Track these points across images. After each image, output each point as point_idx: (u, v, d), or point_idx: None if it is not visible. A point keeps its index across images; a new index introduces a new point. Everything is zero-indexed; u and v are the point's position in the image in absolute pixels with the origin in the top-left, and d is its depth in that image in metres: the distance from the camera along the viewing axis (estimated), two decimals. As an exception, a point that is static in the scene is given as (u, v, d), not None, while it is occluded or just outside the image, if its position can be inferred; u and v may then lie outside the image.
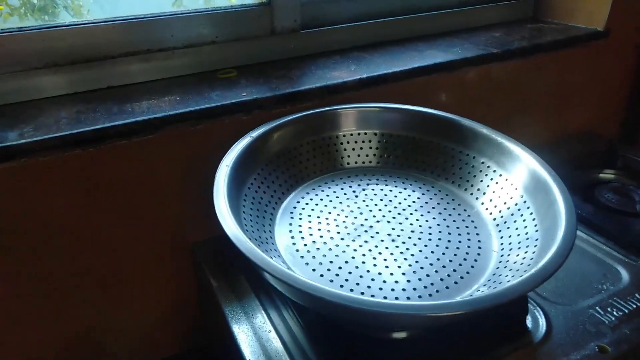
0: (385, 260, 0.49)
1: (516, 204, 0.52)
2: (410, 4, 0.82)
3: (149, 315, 0.66)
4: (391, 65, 0.69)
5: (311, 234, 0.52)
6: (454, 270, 0.48)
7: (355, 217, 0.55)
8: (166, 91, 0.61)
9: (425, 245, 0.51)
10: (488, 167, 0.57)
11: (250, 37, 0.69)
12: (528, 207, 0.51)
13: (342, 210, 0.56)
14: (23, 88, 0.57)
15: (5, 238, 0.52)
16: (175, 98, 0.59)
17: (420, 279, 0.46)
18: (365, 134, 0.63)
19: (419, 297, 0.45)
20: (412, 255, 0.49)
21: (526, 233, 0.48)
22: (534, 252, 0.44)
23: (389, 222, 0.54)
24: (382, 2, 0.80)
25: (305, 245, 0.51)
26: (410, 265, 0.48)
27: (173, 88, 0.62)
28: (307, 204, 0.56)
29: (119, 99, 0.58)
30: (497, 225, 0.53)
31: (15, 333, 0.57)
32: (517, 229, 0.50)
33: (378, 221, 0.54)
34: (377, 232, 0.52)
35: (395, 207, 0.56)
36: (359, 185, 0.60)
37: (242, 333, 0.48)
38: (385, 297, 0.44)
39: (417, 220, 0.54)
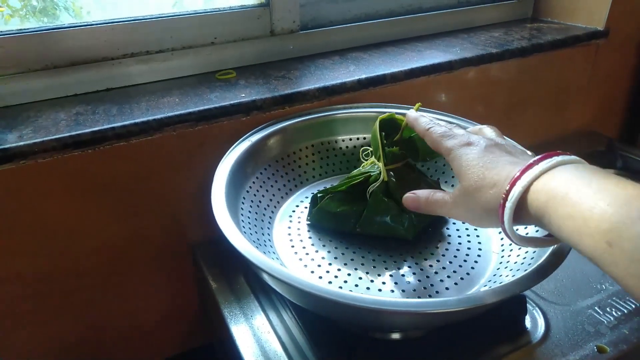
0: (384, 262, 0.49)
1: (515, 205, 0.52)
2: (409, 4, 0.82)
3: (149, 315, 0.66)
4: (390, 65, 0.69)
5: (310, 237, 0.52)
6: (454, 272, 0.48)
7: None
8: (165, 93, 0.61)
9: (425, 247, 0.51)
10: (487, 167, 0.57)
11: (249, 38, 0.69)
12: (527, 208, 0.50)
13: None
14: (22, 90, 0.57)
15: (5, 239, 0.52)
16: (174, 99, 0.59)
17: (419, 280, 0.46)
18: (364, 138, 0.63)
19: (419, 298, 0.45)
20: (412, 257, 0.49)
21: (526, 234, 0.48)
22: (534, 252, 0.44)
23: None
24: (381, 2, 0.80)
25: (303, 247, 0.51)
26: (409, 267, 0.48)
27: (172, 89, 0.62)
28: (306, 207, 0.56)
29: (118, 101, 0.58)
30: (496, 225, 0.53)
31: (16, 334, 0.57)
32: (517, 229, 0.50)
33: (377, 222, 0.54)
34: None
35: (395, 208, 0.56)
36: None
37: (241, 334, 0.48)
38: (384, 299, 0.44)
39: (416, 221, 0.54)
